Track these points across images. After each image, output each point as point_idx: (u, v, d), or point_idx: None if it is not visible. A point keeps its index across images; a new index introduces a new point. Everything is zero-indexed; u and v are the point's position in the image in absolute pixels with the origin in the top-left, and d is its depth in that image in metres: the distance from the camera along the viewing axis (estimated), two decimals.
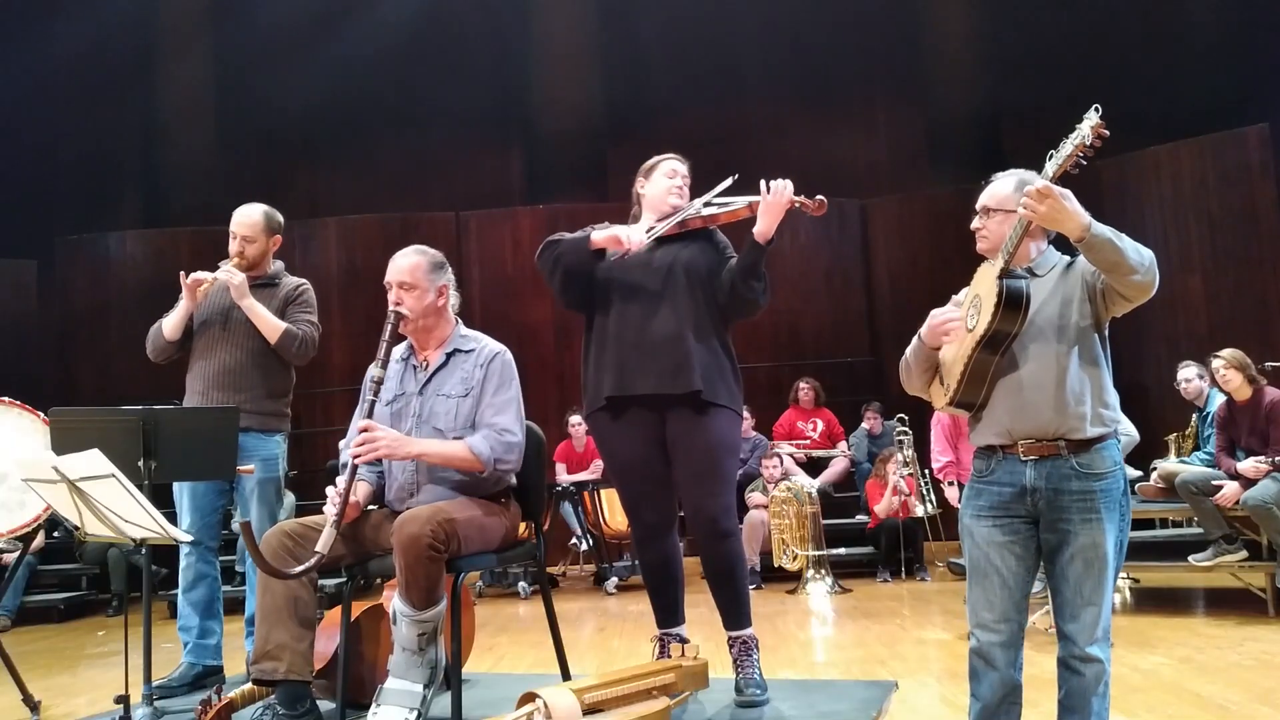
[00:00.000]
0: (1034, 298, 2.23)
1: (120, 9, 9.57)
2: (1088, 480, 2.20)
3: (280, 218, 3.98)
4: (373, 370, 2.96)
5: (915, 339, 2.40)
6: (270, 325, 3.77)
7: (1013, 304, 2.18)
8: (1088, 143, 2.08)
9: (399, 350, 3.20)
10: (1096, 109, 2.09)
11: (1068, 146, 2.12)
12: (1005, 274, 2.21)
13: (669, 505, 3.26)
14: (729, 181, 3.22)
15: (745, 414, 7.30)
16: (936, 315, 2.33)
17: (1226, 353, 5.03)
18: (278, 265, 3.99)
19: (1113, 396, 2.30)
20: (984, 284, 2.26)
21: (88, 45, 9.55)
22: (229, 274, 3.73)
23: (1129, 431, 5.88)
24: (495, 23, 10.54)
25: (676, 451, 3.16)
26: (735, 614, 3.24)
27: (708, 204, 3.23)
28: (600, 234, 3.18)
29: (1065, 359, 2.23)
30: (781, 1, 10.33)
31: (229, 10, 10.15)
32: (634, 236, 3.14)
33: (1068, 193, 2.11)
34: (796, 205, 3.07)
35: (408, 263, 3.07)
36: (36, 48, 9.59)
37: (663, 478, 3.21)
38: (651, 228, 3.22)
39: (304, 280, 4.00)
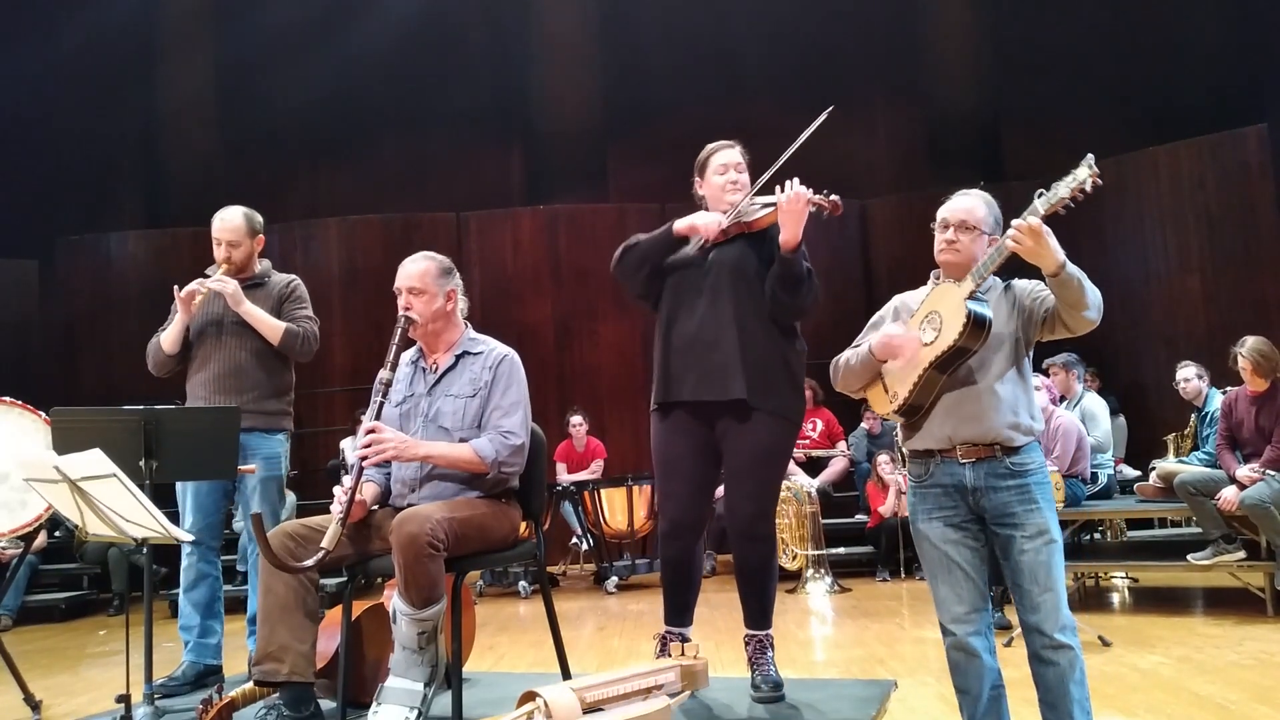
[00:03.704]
0: None
1: (121, 9, 9.58)
2: (1022, 476, 2.33)
3: (260, 218, 3.99)
4: (381, 373, 2.99)
5: (865, 349, 2.48)
6: (270, 327, 3.79)
7: (978, 327, 2.29)
8: (1086, 189, 2.18)
9: (410, 354, 3.24)
10: (1091, 158, 2.19)
11: (1063, 189, 2.20)
12: (973, 298, 2.31)
13: (694, 508, 3.21)
14: (824, 115, 3.02)
15: None
16: (893, 337, 2.41)
17: (1250, 345, 4.92)
18: (265, 264, 3.99)
19: (1036, 409, 2.43)
20: (946, 303, 2.36)
21: (88, 45, 9.56)
22: (221, 283, 3.74)
23: (1103, 435, 5.95)
24: (495, 23, 10.56)
25: (725, 453, 3.17)
26: (758, 614, 3.25)
27: (754, 201, 3.12)
28: (682, 223, 3.16)
29: (1003, 373, 2.36)
30: (781, 1, 10.35)
31: (230, 10, 10.16)
32: (710, 223, 3.11)
33: (1049, 230, 2.21)
34: (813, 208, 3.00)
35: (417, 268, 3.11)
36: (38, 48, 9.60)
37: (695, 479, 3.19)
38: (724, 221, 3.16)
39: (293, 276, 4.01)
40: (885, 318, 2.55)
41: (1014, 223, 2.22)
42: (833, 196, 3.02)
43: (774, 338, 3.13)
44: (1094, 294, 2.25)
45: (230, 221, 3.89)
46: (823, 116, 3.03)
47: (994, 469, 2.32)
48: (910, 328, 2.43)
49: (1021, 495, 2.31)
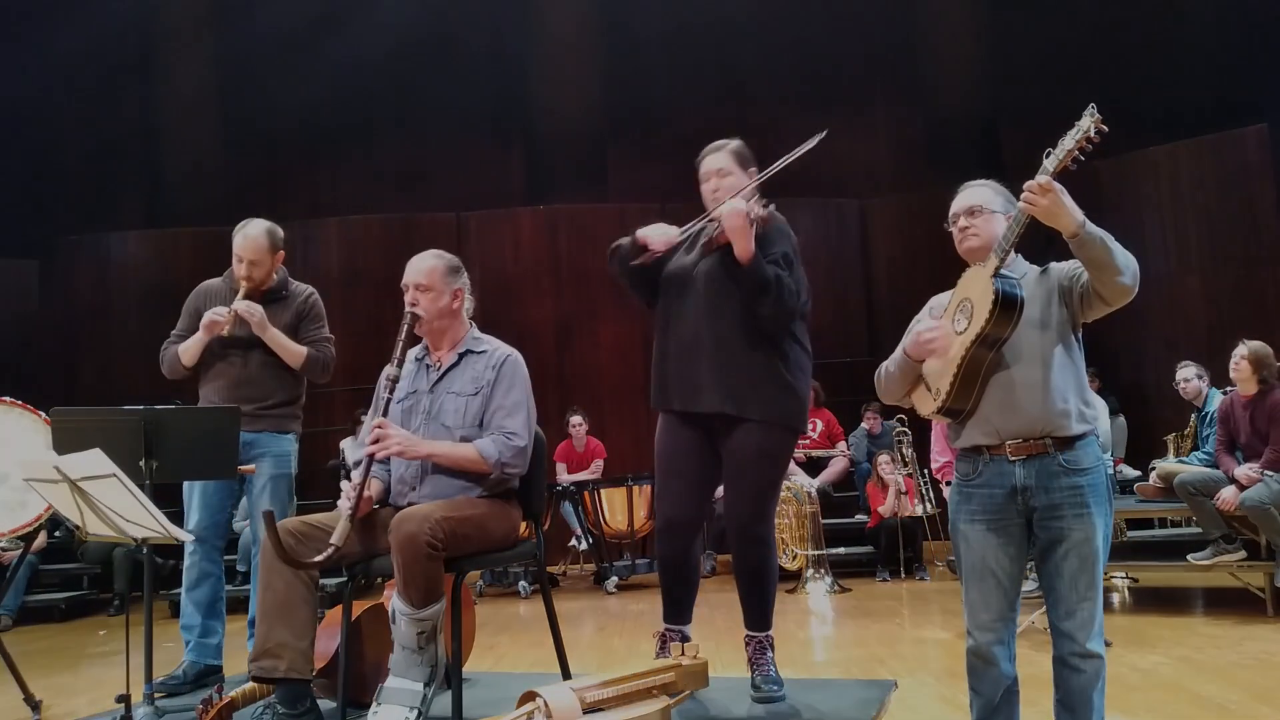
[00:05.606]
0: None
1: (121, 9, 9.58)
2: (1075, 476, 2.24)
3: (281, 232, 3.96)
4: (388, 369, 2.99)
5: (899, 351, 2.42)
6: (293, 354, 3.80)
7: (1008, 307, 2.20)
8: (1092, 135, 2.11)
9: (414, 351, 3.24)
10: (1093, 107, 2.12)
11: (1069, 141, 2.13)
12: (998, 276, 2.22)
13: (690, 505, 3.21)
14: (818, 138, 3.00)
15: None
16: (922, 332, 2.34)
17: (1253, 345, 4.95)
18: (282, 273, 3.98)
19: (1091, 395, 2.33)
20: (975, 287, 2.28)
21: (89, 45, 9.57)
22: (248, 311, 3.71)
23: (1102, 437, 5.95)
24: (495, 23, 10.55)
25: (723, 455, 3.17)
26: (756, 615, 3.25)
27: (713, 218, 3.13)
28: (640, 232, 3.17)
29: (1049, 359, 2.26)
30: (781, 2, 10.35)
31: (230, 11, 10.16)
32: (657, 238, 3.11)
33: (1063, 189, 2.14)
34: (751, 221, 2.95)
35: (425, 265, 3.13)
36: (38, 48, 9.61)
37: (692, 478, 3.19)
38: (685, 233, 3.17)
39: (311, 289, 4.01)
40: (922, 320, 2.46)
41: (1025, 185, 2.15)
42: (762, 211, 2.97)
43: (759, 346, 3.09)
44: (1124, 256, 2.14)
45: (255, 239, 3.81)
46: (814, 140, 3.02)
47: (1046, 466, 2.24)
48: (944, 321, 2.36)
49: (1074, 499, 2.22)
